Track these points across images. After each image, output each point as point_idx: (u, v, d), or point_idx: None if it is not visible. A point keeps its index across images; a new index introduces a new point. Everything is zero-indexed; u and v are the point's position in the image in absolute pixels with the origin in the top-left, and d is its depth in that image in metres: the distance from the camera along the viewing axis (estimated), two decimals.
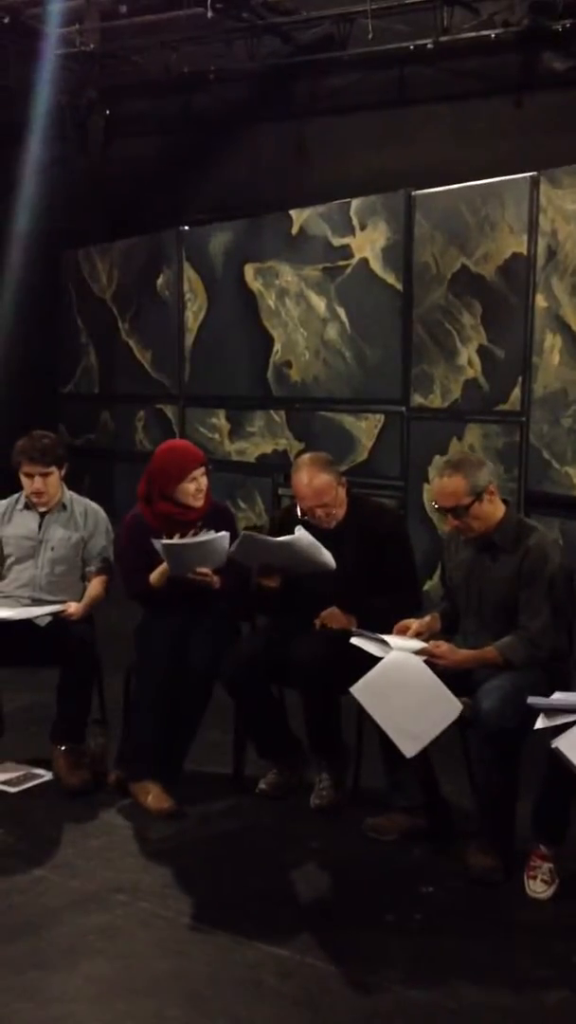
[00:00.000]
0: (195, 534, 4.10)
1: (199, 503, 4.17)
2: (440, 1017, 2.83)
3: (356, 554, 3.96)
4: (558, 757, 3.15)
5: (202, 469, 4.17)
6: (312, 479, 3.96)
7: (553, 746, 3.15)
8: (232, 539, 3.98)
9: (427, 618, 3.87)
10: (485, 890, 3.45)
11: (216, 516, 4.23)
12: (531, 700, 3.31)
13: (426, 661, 3.58)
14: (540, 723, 3.24)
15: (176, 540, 4.03)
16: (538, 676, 3.56)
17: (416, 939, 3.21)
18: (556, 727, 3.20)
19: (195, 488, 4.14)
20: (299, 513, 4.04)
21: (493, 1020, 2.83)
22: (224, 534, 4.00)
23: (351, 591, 3.94)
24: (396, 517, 4.56)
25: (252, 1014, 2.83)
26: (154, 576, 4.13)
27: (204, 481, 4.18)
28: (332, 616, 3.92)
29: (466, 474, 3.65)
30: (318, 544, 3.87)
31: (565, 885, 3.42)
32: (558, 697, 3.36)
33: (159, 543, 3.96)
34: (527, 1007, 2.88)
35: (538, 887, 3.41)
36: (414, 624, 3.80)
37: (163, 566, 4.09)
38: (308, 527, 3.94)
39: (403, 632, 3.78)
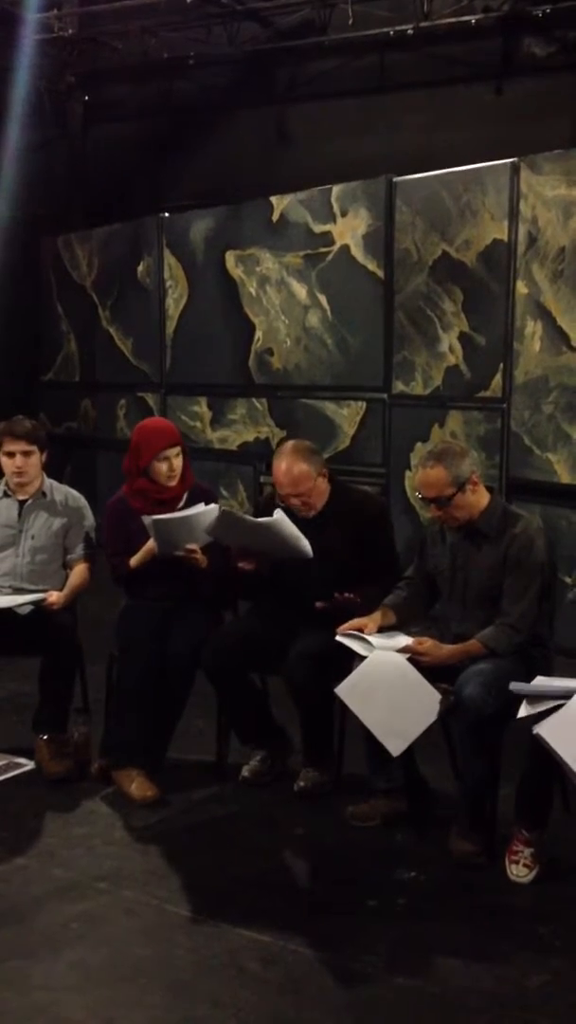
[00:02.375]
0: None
1: (172, 483, 4.17)
2: (423, 1001, 2.84)
3: (338, 540, 3.95)
4: (540, 742, 3.16)
5: (176, 450, 4.16)
6: (291, 468, 3.94)
7: (535, 732, 3.16)
8: None
9: (376, 615, 3.79)
10: (468, 875, 3.47)
11: (199, 497, 4.21)
12: (513, 686, 3.32)
13: (409, 659, 3.59)
14: (523, 711, 3.24)
15: (165, 515, 4.01)
16: (519, 662, 3.57)
17: (399, 924, 3.22)
18: (538, 713, 3.21)
19: (167, 468, 4.14)
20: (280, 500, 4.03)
21: (476, 1004, 2.84)
22: (213, 507, 4.00)
23: (333, 578, 3.93)
24: (378, 503, 4.55)
25: (235, 1000, 2.83)
26: (134, 559, 4.14)
27: (178, 463, 4.17)
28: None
29: (448, 465, 3.65)
30: (296, 530, 3.86)
31: (547, 869, 3.43)
32: (539, 682, 3.37)
33: (148, 519, 3.95)
34: (510, 991, 2.89)
35: (520, 871, 3.42)
36: (364, 621, 3.73)
37: (145, 548, 4.09)
38: (289, 514, 3.93)
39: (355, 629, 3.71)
